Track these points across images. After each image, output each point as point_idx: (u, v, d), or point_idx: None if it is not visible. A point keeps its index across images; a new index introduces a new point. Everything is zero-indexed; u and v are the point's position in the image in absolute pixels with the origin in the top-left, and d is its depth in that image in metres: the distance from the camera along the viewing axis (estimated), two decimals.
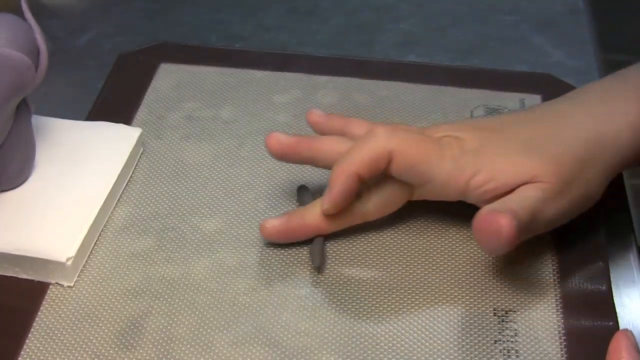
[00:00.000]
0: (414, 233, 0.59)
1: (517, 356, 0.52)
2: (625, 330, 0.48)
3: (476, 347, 0.52)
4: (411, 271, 0.57)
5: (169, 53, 0.73)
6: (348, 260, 0.57)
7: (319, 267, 0.56)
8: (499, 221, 0.51)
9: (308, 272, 0.57)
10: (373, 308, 0.54)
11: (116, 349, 0.52)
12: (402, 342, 0.53)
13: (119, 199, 0.61)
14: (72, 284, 0.56)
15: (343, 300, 0.55)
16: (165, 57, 0.73)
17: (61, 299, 0.55)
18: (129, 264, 0.57)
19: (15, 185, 0.59)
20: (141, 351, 0.52)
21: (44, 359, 0.52)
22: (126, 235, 0.59)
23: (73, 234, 0.56)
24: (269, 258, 0.57)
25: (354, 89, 0.70)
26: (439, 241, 0.59)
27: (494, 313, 0.54)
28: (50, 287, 0.56)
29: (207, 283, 0.56)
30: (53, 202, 0.58)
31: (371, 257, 0.58)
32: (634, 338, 0.48)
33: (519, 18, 0.79)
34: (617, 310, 0.55)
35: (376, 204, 0.57)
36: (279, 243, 0.58)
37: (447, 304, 0.55)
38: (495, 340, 0.53)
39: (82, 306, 0.55)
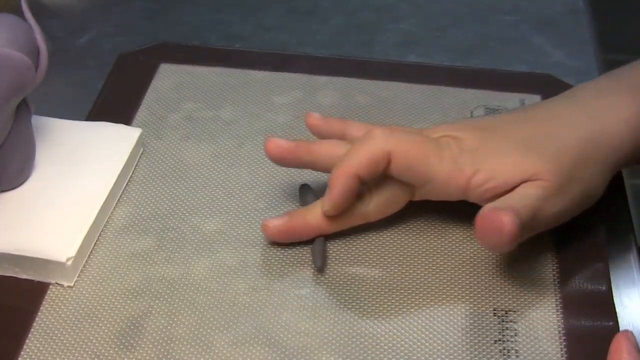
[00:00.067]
0: (414, 233, 0.59)
1: (517, 356, 0.52)
2: (626, 331, 0.48)
3: (476, 347, 0.52)
4: (411, 271, 0.57)
5: (169, 53, 0.73)
6: (348, 260, 0.57)
7: (320, 268, 0.56)
8: (500, 219, 0.51)
9: (308, 272, 0.57)
10: (373, 308, 0.54)
11: (116, 349, 0.52)
12: (402, 342, 0.53)
13: (119, 199, 0.61)
14: (72, 284, 0.56)
15: (343, 300, 0.55)
16: (165, 57, 0.73)
17: (61, 299, 0.55)
18: (129, 264, 0.57)
19: (15, 185, 0.59)
20: (141, 351, 0.52)
21: (44, 359, 0.52)
22: (126, 235, 0.59)
23: (73, 234, 0.56)
24: (269, 258, 0.57)
25: (354, 90, 0.70)
26: (439, 241, 0.59)
27: (494, 313, 0.54)
28: (50, 287, 0.56)
29: (207, 283, 0.56)
30: (53, 202, 0.58)
31: (371, 257, 0.58)
32: (634, 339, 0.48)
33: (519, 18, 0.79)
34: (617, 310, 0.55)
35: (377, 204, 0.57)
36: (280, 243, 0.58)
37: (447, 304, 0.55)
38: (495, 340, 0.53)
39: (82, 306, 0.55)
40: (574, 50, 0.75)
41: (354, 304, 0.55)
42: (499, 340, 0.53)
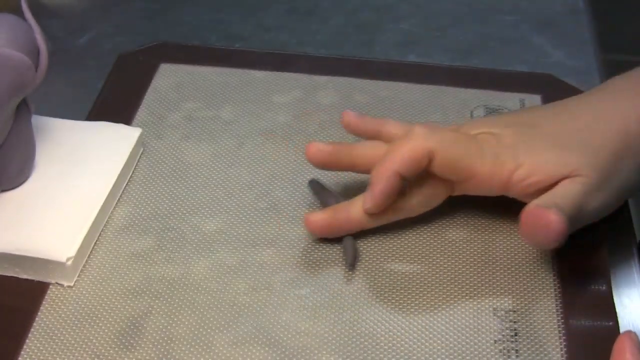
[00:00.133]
0: (414, 233, 0.59)
1: (517, 356, 0.52)
2: (629, 331, 0.48)
3: (476, 347, 0.52)
4: (411, 272, 0.57)
5: (169, 53, 0.73)
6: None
7: (352, 265, 0.56)
8: (548, 217, 0.52)
9: (308, 272, 0.57)
10: (373, 308, 0.54)
11: (116, 349, 0.52)
12: (402, 342, 0.53)
13: (119, 199, 0.61)
14: (72, 284, 0.56)
15: (343, 300, 0.55)
16: (165, 57, 0.73)
17: (61, 299, 0.55)
18: (129, 264, 0.57)
19: (15, 185, 0.59)
20: (141, 351, 0.52)
21: (44, 359, 0.52)
22: (126, 235, 0.59)
23: (73, 234, 0.56)
24: (270, 258, 0.57)
25: (354, 89, 0.70)
26: (439, 241, 0.59)
27: (494, 313, 0.54)
28: (50, 287, 0.56)
29: (207, 283, 0.56)
30: (53, 202, 0.58)
31: (371, 257, 0.58)
32: (637, 339, 0.48)
33: (519, 18, 0.79)
34: (617, 310, 0.55)
35: (419, 199, 0.57)
36: (281, 242, 0.58)
37: (447, 304, 0.55)
38: (495, 340, 0.53)
39: (82, 306, 0.55)
40: (574, 50, 0.75)
41: (353, 303, 0.55)
42: (499, 340, 0.53)
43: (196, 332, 0.53)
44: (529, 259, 0.57)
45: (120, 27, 0.79)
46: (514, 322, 0.54)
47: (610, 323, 0.54)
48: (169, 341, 0.53)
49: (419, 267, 0.57)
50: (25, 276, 0.56)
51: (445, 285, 0.56)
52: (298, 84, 0.70)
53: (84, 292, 0.55)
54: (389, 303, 0.55)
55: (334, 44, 0.77)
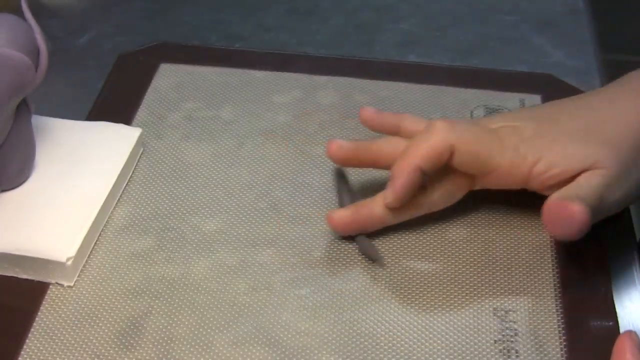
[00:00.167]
0: (415, 233, 0.59)
1: (517, 356, 0.52)
2: (630, 331, 0.48)
3: (476, 347, 0.52)
4: (411, 272, 0.57)
5: (169, 53, 0.73)
6: (349, 260, 0.57)
7: (378, 260, 0.57)
8: (571, 208, 0.52)
9: (308, 272, 0.57)
10: (373, 308, 0.54)
11: (116, 349, 0.52)
12: (402, 342, 0.53)
13: (119, 199, 0.61)
14: (72, 284, 0.56)
15: (343, 300, 0.55)
16: (165, 57, 0.73)
17: (61, 299, 0.55)
18: (129, 264, 0.57)
19: (15, 185, 0.59)
20: (141, 351, 0.52)
21: (44, 359, 0.52)
22: (126, 235, 0.59)
23: (73, 234, 0.56)
24: (270, 258, 0.57)
25: (354, 89, 0.70)
26: (439, 241, 0.59)
27: (494, 313, 0.54)
28: (50, 287, 0.56)
29: (207, 283, 0.56)
30: (53, 202, 0.58)
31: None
32: (638, 339, 0.48)
33: (519, 18, 0.79)
34: (617, 310, 0.55)
35: (441, 194, 0.58)
36: (282, 242, 0.58)
37: (447, 304, 0.55)
38: (495, 340, 0.53)
39: (82, 306, 0.55)
40: (574, 50, 0.75)
41: (353, 303, 0.55)
42: (499, 340, 0.53)
43: (196, 332, 0.53)
44: (529, 259, 0.57)
45: (120, 27, 0.79)
46: (514, 322, 0.54)
47: (610, 323, 0.54)
48: (169, 341, 0.53)
49: (418, 267, 0.57)
50: (25, 276, 0.56)
51: (445, 285, 0.56)
52: (298, 84, 0.70)
53: (84, 292, 0.55)
54: (389, 303, 0.55)
55: (334, 44, 0.77)
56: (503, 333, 0.53)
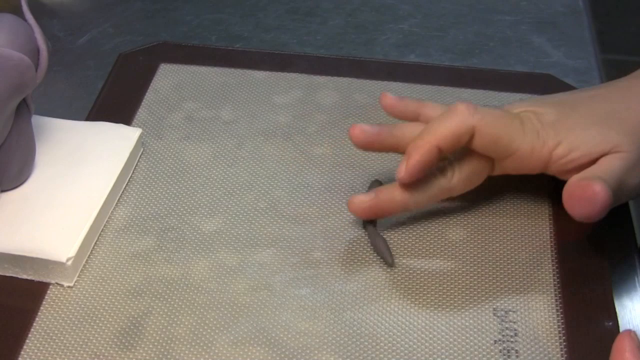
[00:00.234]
0: (415, 233, 0.59)
1: (517, 356, 0.52)
2: (629, 330, 0.48)
3: (476, 347, 0.52)
4: (411, 271, 0.57)
5: (169, 53, 0.73)
6: (349, 260, 0.57)
7: (391, 263, 0.57)
8: (593, 188, 0.53)
9: (308, 272, 0.57)
10: (373, 308, 0.54)
11: (116, 349, 0.52)
12: (402, 342, 0.53)
13: (119, 199, 0.61)
14: (72, 284, 0.56)
15: (343, 300, 0.55)
16: (165, 57, 0.73)
17: (61, 299, 0.55)
18: (129, 264, 0.57)
19: (15, 185, 0.59)
20: (141, 351, 0.52)
21: (44, 359, 0.52)
22: (126, 236, 0.59)
23: (73, 234, 0.56)
24: (270, 258, 0.57)
25: (354, 89, 0.70)
26: (438, 241, 0.59)
27: (494, 313, 0.54)
28: (50, 287, 0.56)
29: (207, 283, 0.56)
30: (53, 202, 0.58)
31: (371, 257, 0.58)
32: (637, 338, 0.48)
33: (519, 18, 0.79)
34: (617, 310, 0.55)
35: (461, 178, 0.58)
36: (283, 242, 0.58)
37: (447, 304, 0.55)
38: (495, 340, 0.53)
39: (82, 306, 0.55)
40: (574, 50, 0.75)
41: (353, 304, 0.55)
42: (499, 340, 0.53)
43: (196, 332, 0.53)
44: (529, 259, 0.57)
45: (120, 27, 0.79)
46: (514, 322, 0.54)
47: (610, 323, 0.54)
48: (169, 341, 0.53)
49: (418, 267, 0.57)
50: (25, 276, 0.56)
51: (445, 285, 0.56)
52: (298, 84, 0.70)
53: (84, 292, 0.55)
54: (389, 303, 0.55)
55: (334, 44, 0.77)
56: (503, 333, 0.53)
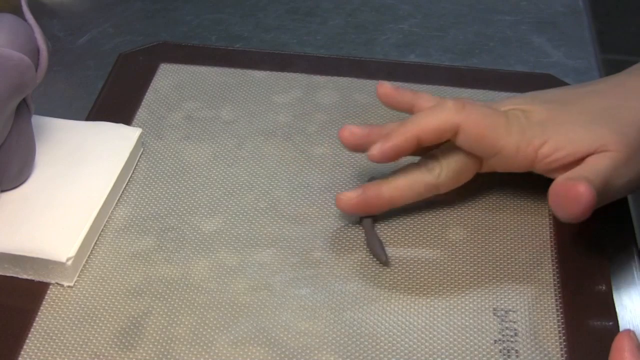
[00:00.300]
0: (415, 233, 0.59)
1: (517, 356, 0.52)
2: (628, 330, 0.48)
3: (476, 347, 0.52)
4: (411, 271, 0.57)
5: (169, 53, 0.73)
6: (349, 260, 0.57)
7: (385, 262, 0.57)
8: (577, 189, 0.52)
9: (308, 272, 0.57)
10: (373, 308, 0.54)
11: (116, 349, 0.52)
12: (402, 342, 0.53)
13: (119, 199, 0.61)
14: (72, 284, 0.56)
15: (343, 300, 0.55)
16: (165, 57, 0.73)
17: (61, 299, 0.55)
18: (129, 264, 0.57)
19: (15, 185, 0.59)
20: (141, 351, 0.52)
21: (44, 359, 0.52)
22: (126, 235, 0.59)
23: (73, 234, 0.56)
24: (270, 258, 0.57)
25: (354, 89, 0.70)
26: (439, 241, 0.59)
27: (494, 313, 0.54)
28: (50, 287, 0.56)
29: (207, 283, 0.56)
30: (53, 202, 0.58)
31: (371, 257, 0.57)
32: (636, 338, 0.48)
33: (519, 18, 0.79)
34: (617, 310, 0.55)
35: (448, 176, 0.58)
36: (283, 241, 0.58)
37: (447, 304, 0.55)
38: (495, 340, 0.53)
39: (82, 306, 0.55)
40: (574, 50, 0.75)
41: (353, 304, 0.55)
42: (499, 340, 0.53)
43: (196, 332, 0.53)
44: (529, 259, 0.57)
45: (120, 27, 0.79)
46: (514, 322, 0.54)
47: (610, 323, 0.54)
48: (169, 341, 0.53)
49: (418, 267, 0.57)
50: (25, 276, 0.56)
51: (445, 285, 0.56)
52: (298, 84, 0.70)
53: (84, 292, 0.55)
54: (389, 303, 0.55)
55: (334, 44, 0.77)
56: (503, 333, 0.53)
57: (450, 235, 0.59)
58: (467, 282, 0.56)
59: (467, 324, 0.54)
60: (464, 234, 0.59)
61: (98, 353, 0.52)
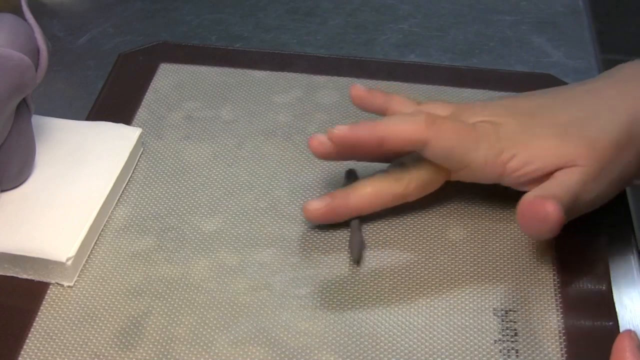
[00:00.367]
0: (415, 234, 0.59)
1: (517, 356, 0.52)
2: (629, 330, 0.48)
3: (476, 347, 0.52)
4: (411, 271, 0.57)
5: (169, 53, 0.73)
6: (349, 260, 0.57)
7: (357, 260, 0.57)
8: (545, 208, 0.52)
9: (308, 272, 0.57)
10: (373, 308, 0.54)
11: (116, 348, 0.52)
12: (402, 342, 0.53)
13: (119, 198, 0.61)
14: (72, 284, 0.56)
15: (342, 300, 0.55)
16: (165, 57, 0.73)
17: (61, 299, 0.55)
18: (129, 263, 0.57)
19: (15, 185, 0.59)
20: (141, 351, 0.52)
21: (44, 359, 0.52)
22: (126, 235, 0.59)
23: (73, 234, 0.56)
24: (270, 258, 0.57)
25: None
26: (438, 242, 0.59)
27: (494, 313, 0.54)
28: (50, 287, 0.56)
29: (207, 283, 0.56)
30: (53, 202, 0.58)
31: (371, 258, 0.57)
32: (637, 339, 0.48)
33: (519, 18, 0.79)
34: (617, 310, 0.55)
35: (417, 186, 0.58)
36: (282, 240, 0.58)
37: (447, 304, 0.55)
38: (495, 340, 0.53)
39: (82, 306, 0.55)
40: (574, 50, 0.75)
41: (353, 304, 0.55)
42: (499, 340, 0.53)
43: (196, 332, 0.53)
44: (529, 259, 0.57)
45: (120, 27, 0.79)
46: (514, 322, 0.54)
47: (610, 323, 0.54)
48: (169, 341, 0.53)
49: (419, 267, 0.57)
50: (25, 276, 0.56)
51: (445, 285, 0.56)
52: (298, 83, 0.70)
53: (84, 292, 0.55)
54: (389, 303, 0.55)
55: (334, 44, 0.77)
56: (503, 333, 0.53)
57: (450, 235, 0.59)
58: (467, 282, 0.56)
59: (467, 324, 0.54)
60: (464, 234, 0.59)
61: (98, 353, 0.52)
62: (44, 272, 0.56)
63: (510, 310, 0.54)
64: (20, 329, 0.53)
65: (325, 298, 0.55)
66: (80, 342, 0.53)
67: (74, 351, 0.52)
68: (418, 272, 0.57)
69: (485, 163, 0.56)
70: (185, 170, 0.63)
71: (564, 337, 0.53)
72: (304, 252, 0.58)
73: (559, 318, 0.54)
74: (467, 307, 0.55)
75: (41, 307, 0.54)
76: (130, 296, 0.55)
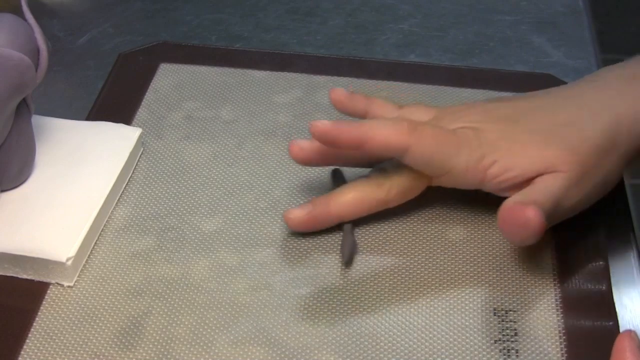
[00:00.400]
0: (415, 234, 0.59)
1: (517, 356, 0.52)
2: (629, 330, 0.48)
3: (476, 347, 0.52)
4: (411, 272, 0.57)
5: (169, 53, 0.73)
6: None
7: (347, 263, 0.56)
8: (526, 214, 0.52)
9: (308, 272, 0.57)
10: (373, 308, 0.54)
11: (116, 349, 0.52)
12: (402, 342, 0.53)
13: (119, 199, 0.61)
14: (72, 284, 0.56)
15: (343, 300, 0.55)
16: (165, 57, 0.73)
17: (61, 299, 0.55)
18: (129, 264, 0.57)
19: (15, 185, 0.59)
20: (141, 351, 0.52)
21: (44, 359, 0.52)
22: (126, 235, 0.59)
23: (73, 234, 0.56)
24: (270, 258, 0.57)
25: (353, 89, 0.70)
26: (438, 241, 0.59)
27: (494, 313, 0.54)
28: (50, 287, 0.56)
29: (207, 283, 0.56)
30: (53, 202, 0.58)
31: (371, 258, 0.57)
32: (637, 339, 0.48)
33: (519, 18, 0.79)
34: (617, 310, 0.55)
35: (398, 192, 0.58)
36: (280, 241, 0.58)
37: (447, 304, 0.55)
38: (495, 340, 0.53)
39: (82, 306, 0.55)
40: (574, 50, 0.75)
41: (353, 303, 0.55)
42: (499, 340, 0.53)
43: (196, 332, 0.53)
44: (529, 259, 0.57)
45: (120, 27, 0.79)
46: (514, 322, 0.54)
47: (610, 323, 0.54)
48: (169, 341, 0.53)
49: (419, 267, 0.57)
50: (25, 276, 0.56)
51: (445, 285, 0.56)
52: (298, 83, 0.70)
53: (84, 292, 0.55)
54: (389, 303, 0.55)
55: (334, 44, 0.77)
56: (503, 333, 0.53)
57: (450, 235, 0.59)
58: (467, 282, 0.56)
59: (467, 324, 0.54)
60: (464, 234, 0.59)
61: (98, 353, 0.52)
62: (44, 272, 0.56)
63: (510, 310, 0.54)
64: (20, 329, 0.53)
65: (325, 298, 0.55)
66: (80, 342, 0.53)
67: (74, 351, 0.52)
68: (418, 272, 0.57)
69: (466, 169, 0.55)
70: (185, 170, 0.63)
71: (564, 337, 0.53)
72: (304, 252, 0.58)
73: (559, 318, 0.54)
74: (467, 307, 0.55)
75: (41, 307, 0.54)
76: (130, 296, 0.55)
